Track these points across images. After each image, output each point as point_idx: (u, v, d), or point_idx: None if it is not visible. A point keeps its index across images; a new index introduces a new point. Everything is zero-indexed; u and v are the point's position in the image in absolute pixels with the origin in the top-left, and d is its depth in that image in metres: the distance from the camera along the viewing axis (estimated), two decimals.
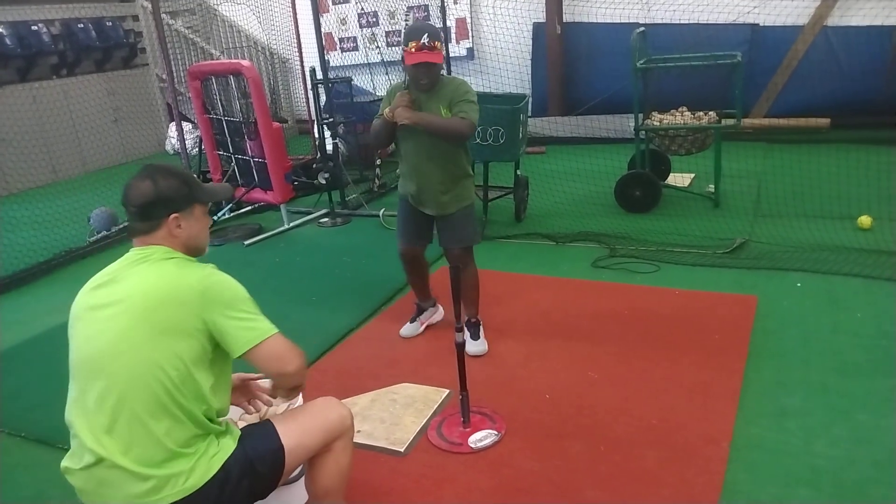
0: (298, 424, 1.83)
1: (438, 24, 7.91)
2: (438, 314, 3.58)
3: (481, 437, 2.58)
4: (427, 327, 3.53)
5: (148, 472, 1.58)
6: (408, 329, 3.48)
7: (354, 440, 2.59)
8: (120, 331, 1.62)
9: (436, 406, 2.84)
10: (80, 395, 1.66)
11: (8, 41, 7.59)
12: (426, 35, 2.87)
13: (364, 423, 2.75)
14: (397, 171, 3.32)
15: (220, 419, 1.74)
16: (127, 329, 1.62)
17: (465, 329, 3.20)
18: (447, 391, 2.92)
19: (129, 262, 1.73)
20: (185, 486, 1.60)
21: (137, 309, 1.63)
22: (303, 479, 2.28)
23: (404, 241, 3.32)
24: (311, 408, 1.94)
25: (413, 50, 2.88)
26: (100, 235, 5.50)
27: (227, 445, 1.69)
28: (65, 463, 1.69)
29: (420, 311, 3.52)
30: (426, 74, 2.94)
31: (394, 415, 2.80)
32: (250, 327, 1.68)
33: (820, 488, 2.22)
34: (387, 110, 2.99)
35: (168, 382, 1.60)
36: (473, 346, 3.21)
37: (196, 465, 1.62)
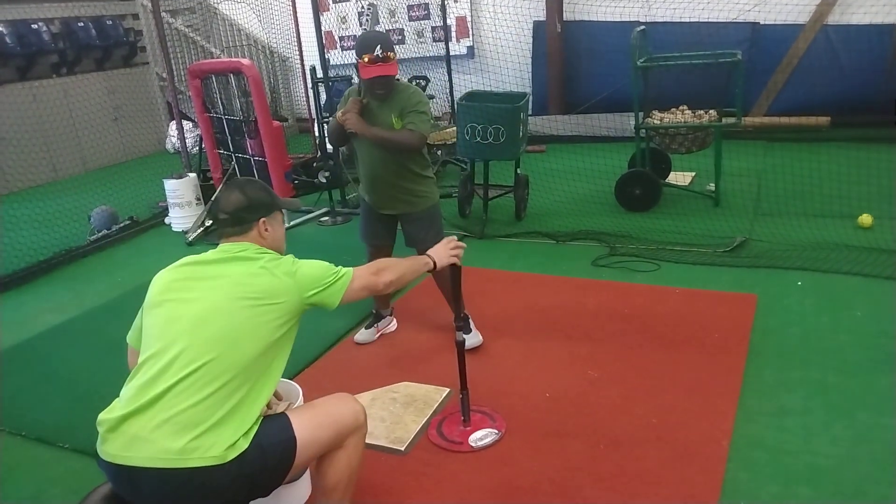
0: (312, 418, 1.85)
1: (439, 23, 7.94)
2: (393, 325, 3.58)
3: (481, 436, 2.59)
4: (433, 328, 3.52)
5: (186, 431, 1.63)
6: (364, 335, 3.46)
7: None
8: (213, 302, 1.79)
9: (436, 405, 2.84)
10: (155, 354, 1.74)
11: (8, 40, 7.58)
12: (378, 46, 2.88)
13: None
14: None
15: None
16: (219, 302, 1.79)
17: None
18: (447, 390, 2.93)
19: (222, 251, 1.94)
20: (211, 453, 1.64)
21: (239, 287, 1.81)
22: (304, 477, 2.29)
23: (364, 239, 3.37)
24: (326, 403, 1.95)
25: (367, 62, 2.89)
26: (100, 234, 5.50)
27: (252, 431, 1.72)
28: (102, 415, 1.73)
29: (378, 318, 3.51)
30: (382, 86, 2.97)
31: (394, 414, 2.80)
32: (334, 282, 1.97)
33: (820, 487, 2.22)
34: (338, 113, 3.03)
35: (247, 354, 1.74)
36: (467, 340, 3.17)
37: (225, 439, 1.66)
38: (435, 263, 2.28)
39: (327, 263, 2.02)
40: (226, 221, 1.98)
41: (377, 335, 3.49)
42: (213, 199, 1.95)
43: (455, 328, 2.61)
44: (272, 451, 1.74)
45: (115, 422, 1.67)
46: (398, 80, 3.08)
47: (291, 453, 1.77)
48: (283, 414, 1.86)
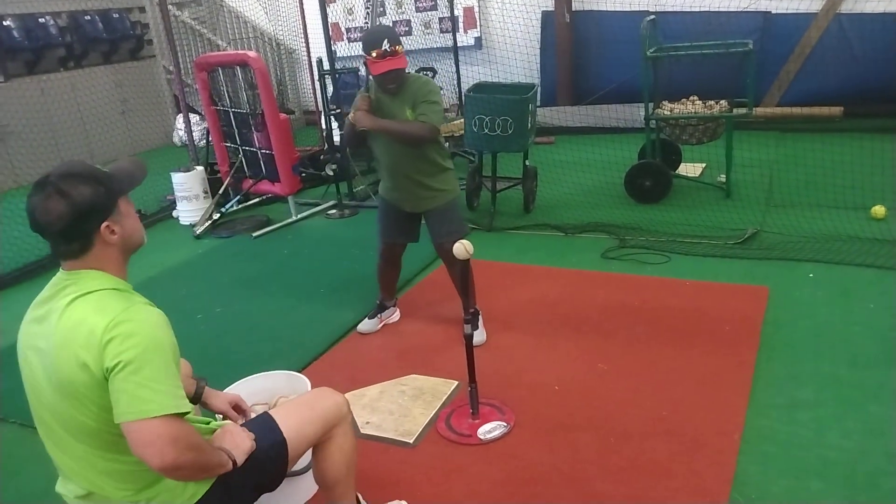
0: (296, 415, 1.83)
1: (446, 14, 7.89)
2: (396, 315, 3.59)
3: (490, 429, 2.58)
4: (441, 321, 3.52)
5: (141, 496, 1.54)
6: (367, 325, 3.47)
7: (364, 432, 2.61)
8: (50, 386, 1.49)
9: (444, 398, 2.83)
10: (46, 434, 1.59)
11: (16, 34, 7.60)
12: (386, 41, 2.86)
13: (373, 414, 2.75)
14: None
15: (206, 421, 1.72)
16: (54, 387, 1.49)
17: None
18: (456, 383, 2.92)
19: (53, 294, 1.54)
20: (184, 497, 1.57)
21: (56, 366, 1.46)
22: (311, 471, 2.29)
23: (384, 237, 3.34)
24: (307, 398, 1.95)
25: (375, 57, 2.87)
26: None
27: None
28: (58, 489, 1.66)
29: (381, 309, 3.52)
30: (394, 80, 2.95)
31: (402, 406, 2.79)
32: (138, 397, 1.38)
33: (831, 480, 2.20)
34: (350, 115, 3.01)
35: (110, 434, 1.47)
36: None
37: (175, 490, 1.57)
38: (234, 462, 1.62)
39: (173, 380, 1.45)
40: (57, 241, 1.49)
41: (380, 325, 3.50)
42: (26, 209, 1.52)
43: (463, 321, 2.59)
44: (264, 457, 1.71)
45: (74, 500, 1.60)
46: (408, 72, 3.05)
47: (284, 453, 1.75)
48: (266, 415, 1.82)
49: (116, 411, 1.41)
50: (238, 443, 1.65)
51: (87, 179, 1.50)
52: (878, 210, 4.32)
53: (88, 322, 1.44)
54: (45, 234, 1.50)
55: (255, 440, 1.69)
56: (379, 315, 3.50)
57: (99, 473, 1.53)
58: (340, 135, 5.98)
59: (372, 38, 2.91)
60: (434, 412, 2.73)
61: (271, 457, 1.73)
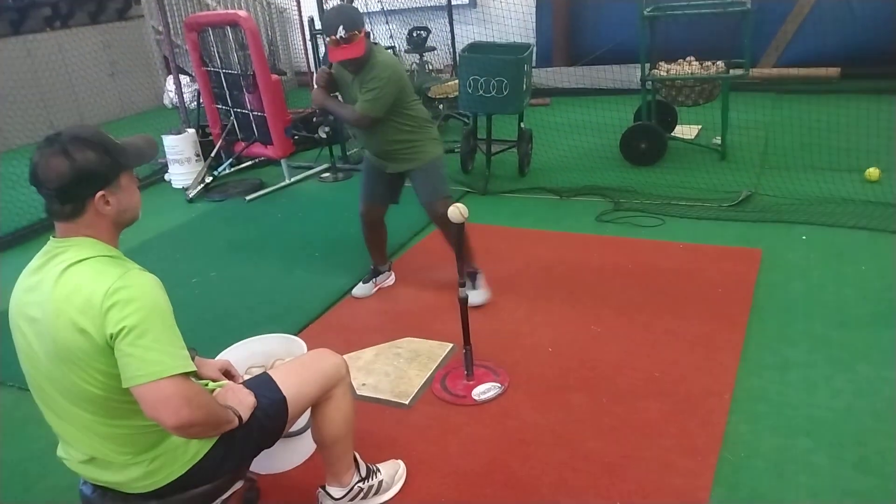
0: (296, 375, 1.85)
1: None
2: (391, 279, 3.60)
3: (485, 390, 2.61)
4: (435, 284, 3.53)
5: (142, 458, 1.57)
6: (361, 289, 3.49)
7: (360, 393, 2.64)
8: (47, 352, 1.49)
9: (440, 360, 2.86)
10: (43, 402, 1.59)
11: None
12: (342, 27, 2.81)
13: (369, 376, 2.78)
14: None
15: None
16: (51, 350, 1.48)
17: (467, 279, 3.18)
18: (451, 345, 2.94)
19: (45, 262, 1.53)
20: (185, 459, 1.60)
21: (54, 329, 1.46)
22: (309, 431, 2.32)
23: (364, 200, 3.35)
24: (306, 359, 1.97)
25: (330, 44, 2.86)
26: None
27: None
28: (60, 453, 1.67)
29: (376, 273, 3.53)
30: (352, 66, 2.96)
31: (398, 368, 2.82)
32: (144, 360, 1.40)
33: (820, 439, 2.24)
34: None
35: (109, 398, 1.49)
36: (473, 297, 3.16)
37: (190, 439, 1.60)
38: (240, 418, 1.65)
39: (177, 340, 1.48)
40: (51, 198, 1.48)
41: (375, 289, 3.51)
42: (30, 162, 1.49)
43: (458, 284, 2.60)
44: (264, 414, 1.73)
45: (76, 465, 1.63)
46: (375, 46, 3.02)
47: (284, 411, 1.77)
48: (266, 374, 1.84)
49: (126, 376, 1.42)
50: (242, 399, 1.68)
51: (96, 146, 1.49)
52: (873, 172, 4.32)
53: (86, 289, 1.44)
54: (41, 189, 1.48)
55: (256, 398, 1.71)
56: (374, 280, 3.51)
57: (100, 438, 1.55)
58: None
59: (327, 22, 2.87)
60: (429, 374, 2.76)
61: (271, 415, 1.75)
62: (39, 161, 1.47)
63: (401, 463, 2.23)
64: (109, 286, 1.43)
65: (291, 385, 1.80)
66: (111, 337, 1.41)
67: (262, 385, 1.79)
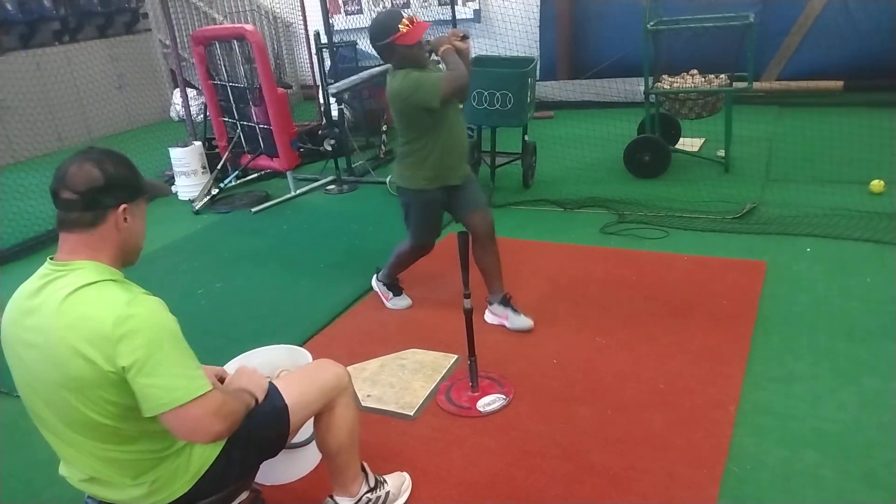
0: (298, 384, 1.86)
1: None
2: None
3: (490, 401, 2.61)
4: (440, 295, 3.54)
5: (142, 480, 1.56)
6: (404, 301, 3.45)
7: (365, 404, 2.64)
8: (48, 379, 1.47)
9: (444, 371, 2.86)
10: (41, 423, 1.59)
11: (9, 6, 7.51)
12: (406, 10, 2.86)
13: (374, 387, 2.78)
14: (418, 159, 3.00)
15: None
16: (53, 377, 1.46)
17: (504, 306, 3.15)
18: (456, 356, 2.94)
19: (46, 285, 1.50)
20: (187, 477, 1.60)
21: (57, 355, 1.44)
22: (312, 443, 2.32)
23: (431, 236, 3.23)
24: (307, 369, 1.99)
25: (408, 28, 2.81)
26: None
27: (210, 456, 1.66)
28: (62, 472, 1.67)
29: (398, 285, 3.48)
30: (424, 48, 2.91)
31: (403, 380, 2.82)
32: (166, 387, 1.42)
33: (826, 452, 2.23)
34: (445, 47, 2.88)
35: (112, 426, 1.49)
36: (522, 322, 3.12)
37: (192, 455, 1.61)
38: (257, 400, 1.71)
39: (190, 362, 1.49)
40: (72, 204, 1.47)
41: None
42: (56, 170, 1.51)
43: (463, 295, 2.61)
44: (266, 423, 1.73)
45: (77, 482, 1.63)
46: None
47: (286, 420, 1.78)
48: (269, 383, 1.84)
49: (149, 406, 1.43)
50: (255, 381, 1.75)
51: (127, 164, 1.56)
52: (877, 184, 4.32)
53: (92, 318, 1.42)
54: (64, 193, 1.48)
55: (262, 393, 1.74)
56: (402, 290, 3.48)
57: (100, 461, 1.55)
58: (339, 109, 5.96)
59: (389, 17, 2.87)
60: (434, 385, 2.76)
61: (272, 424, 1.76)
62: (71, 167, 1.49)
63: (406, 475, 2.23)
64: (118, 315, 1.41)
65: (293, 394, 1.81)
66: (124, 369, 1.41)
67: (260, 416, 1.77)
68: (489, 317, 3.21)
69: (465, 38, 2.95)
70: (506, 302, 3.16)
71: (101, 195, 1.48)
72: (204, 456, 1.62)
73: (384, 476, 2.15)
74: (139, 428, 1.50)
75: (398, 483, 2.17)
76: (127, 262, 1.60)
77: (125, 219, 1.52)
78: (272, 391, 1.80)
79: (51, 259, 1.54)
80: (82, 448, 1.54)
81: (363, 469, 2.05)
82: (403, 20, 2.82)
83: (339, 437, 1.92)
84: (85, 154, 1.52)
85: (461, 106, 3.19)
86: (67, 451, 1.58)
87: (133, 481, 1.56)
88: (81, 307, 1.44)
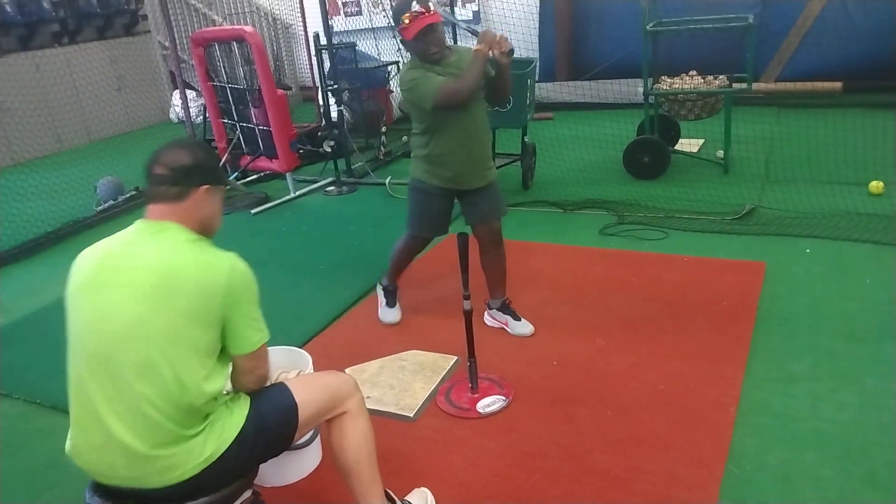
0: (305, 384, 1.89)
1: None
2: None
3: (489, 403, 2.61)
4: (440, 297, 3.54)
5: (157, 453, 1.57)
6: (393, 315, 3.34)
7: None
8: (136, 315, 1.56)
9: (444, 372, 2.86)
10: (83, 375, 1.62)
11: (8, 8, 7.52)
12: (415, 2, 2.72)
13: (373, 389, 2.78)
14: (419, 152, 2.98)
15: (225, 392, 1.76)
16: (143, 314, 1.56)
17: (503, 312, 3.15)
18: (455, 358, 2.94)
19: (143, 235, 1.66)
20: (200, 460, 1.61)
21: (157, 292, 1.56)
22: (314, 443, 2.33)
23: (428, 231, 3.14)
24: (314, 374, 2.03)
25: (409, 21, 2.70)
26: (107, 205, 5.51)
27: (240, 410, 1.71)
28: (69, 447, 1.68)
29: (394, 291, 3.38)
30: (435, 39, 2.76)
31: (403, 381, 2.82)
32: (258, 329, 1.70)
33: (826, 452, 2.23)
34: (480, 46, 2.69)
35: (180, 373, 1.56)
36: (523, 328, 3.11)
37: (208, 439, 1.63)
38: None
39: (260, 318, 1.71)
40: (163, 178, 1.66)
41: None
42: (152, 153, 1.73)
43: (462, 297, 2.61)
44: (275, 419, 1.75)
45: (87, 453, 1.63)
46: (448, 45, 2.90)
47: (294, 416, 1.79)
48: (279, 381, 1.89)
49: (239, 345, 1.66)
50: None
51: (213, 157, 1.79)
52: (876, 185, 4.33)
53: (206, 263, 1.63)
54: (157, 169, 1.67)
55: (268, 402, 1.77)
56: (397, 301, 3.39)
57: (140, 420, 1.55)
58: (338, 110, 5.96)
59: (399, 7, 2.76)
60: (434, 386, 2.76)
61: (282, 419, 1.77)
62: (166, 149, 1.72)
63: (427, 491, 2.17)
64: (228, 266, 1.64)
65: (301, 392, 1.82)
66: (224, 314, 1.61)
67: (275, 390, 1.82)
68: (488, 320, 3.21)
69: (510, 52, 2.73)
70: (505, 308, 3.15)
71: (188, 174, 1.68)
72: (220, 439, 1.64)
73: (407, 498, 2.11)
74: (197, 389, 1.58)
75: (422, 500, 2.13)
76: (205, 234, 1.76)
77: (205, 198, 1.71)
78: (282, 388, 1.83)
79: (143, 218, 1.70)
80: (131, 401, 1.55)
81: (387, 495, 1.99)
82: (408, 12, 2.71)
83: (354, 444, 1.88)
84: (178, 141, 1.79)
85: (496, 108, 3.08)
86: (103, 409, 1.56)
87: (154, 450, 1.57)
88: (190, 255, 1.63)
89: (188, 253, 1.63)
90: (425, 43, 2.76)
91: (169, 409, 1.56)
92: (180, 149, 1.72)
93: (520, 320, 3.13)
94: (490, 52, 2.72)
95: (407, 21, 2.72)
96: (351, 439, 1.89)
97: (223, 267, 1.63)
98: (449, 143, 2.88)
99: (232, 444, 1.65)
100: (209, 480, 1.64)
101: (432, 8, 2.74)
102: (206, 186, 1.70)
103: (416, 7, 2.71)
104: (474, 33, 2.88)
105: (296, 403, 1.79)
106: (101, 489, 1.66)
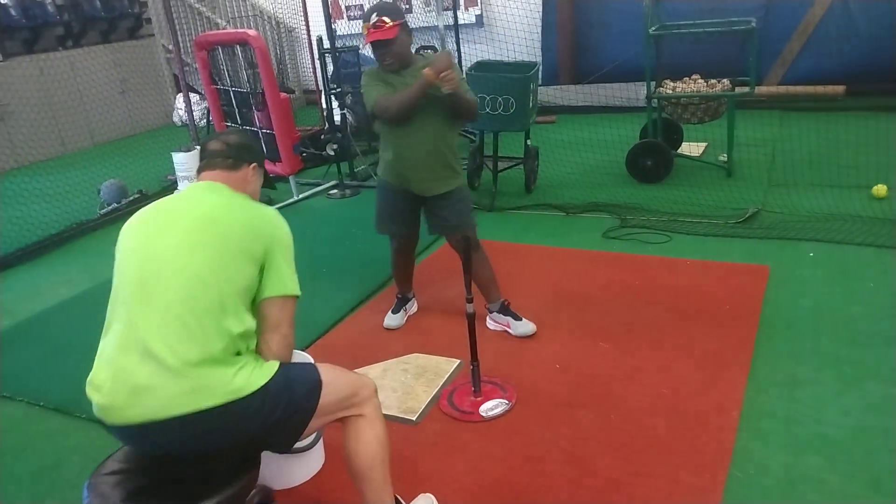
0: (331, 371, 1.89)
1: None
2: (415, 307, 3.49)
3: (492, 406, 2.61)
4: (443, 300, 3.53)
5: (186, 371, 1.59)
6: (393, 320, 3.33)
7: None
8: (187, 240, 1.71)
9: (447, 376, 2.86)
10: (128, 297, 1.68)
11: (13, 12, 7.55)
12: (374, 14, 2.81)
13: None
14: (380, 150, 3.11)
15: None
16: (194, 240, 1.71)
17: (503, 314, 3.15)
18: (458, 361, 2.94)
19: (197, 190, 1.87)
20: (227, 389, 1.61)
21: (209, 225, 1.74)
22: (316, 447, 2.33)
23: (397, 230, 3.18)
24: (339, 367, 1.98)
25: (364, 31, 2.85)
26: (110, 208, 5.52)
27: (270, 367, 1.72)
28: (92, 376, 1.67)
29: (404, 301, 3.40)
30: (385, 54, 2.86)
31: (405, 384, 2.82)
32: (293, 279, 1.82)
33: (830, 457, 2.22)
34: (427, 70, 2.69)
35: (221, 295, 1.66)
36: (525, 327, 3.11)
37: (238, 374, 1.64)
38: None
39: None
40: (221, 152, 1.93)
41: (405, 319, 3.38)
42: (213, 134, 2.04)
43: (465, 300, 2.61)
44: (300, 387, 1.76)
45: (109, 383, 1.63)
46: (422, 53, 3.01)
47: (317, 392, 1.78)
48: (308, 361, 1.94)
49: (272, 286, 1.76)
50: None
51: (260, 144, 2.05)
52: (880, 189, 4.32)
53: (254, 210, 1.84)
54: (214, 144, 1.94)
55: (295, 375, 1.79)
56: (403, 308, 3.39)
57: (168, 341, 1.59)
58: (341, 114, 5.97)
59: (367, 13, 2.88)
60: (436, 390, 2.76)
61: (305, 393, 1.77)
62: (222, 133, 2.06)
63: (432, 497, 2.15)
64: (275, 217, 1.86)
65: (327, 375, 1.84)
66: (267, 253, 1.75)
67: (302, 364, 1.87)
68: (490, 324, 3.21)
69: (445, 76, 2.67)
70: (505, 309, 3.15)
71: (240, 150, 1.96)
72: (249, 379, 1.65)
73: (412, 503, 2.10)
74: (236, 316, 1.68)
75: None
76: None
77: (253, 176, 1.98)
78: (309, 365, 1.87)
79: (203, 180, 1.91)
80: (169, 316, 1.62)
81: (396, 502, 1.98)
82: (365, 24, 2.85)
83: (371, 450, 1.86)
84: (232, 128, 2.11)
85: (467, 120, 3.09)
86: (145, 326, 1.62)
87: (189, 368, 1.59)
88: (240, 201, 1.85)
89: (239, 200, 1.85)
90: (378, 55, 2.90)
91: (209, 329, 1.63)
92: (234, 133, 2.07)
93: (521, 320, 3.13)
94: (436, 79, 2.70)
95: (364, 31, 2.86)
96: (366, 444, 1.87)
97: (270, 214, 1.86)
98: (396, 148, 2.98)
99: (258, 390, 1.65)
100: (225, 427, 1.62)
101: (388, 23, 2.80)
102: (254, 164, 1.98)
103: (373, 19, 2.80)
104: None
105: (321, 381, 1.81)
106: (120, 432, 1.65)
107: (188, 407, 1.58)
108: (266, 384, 1.67)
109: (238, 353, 1.69)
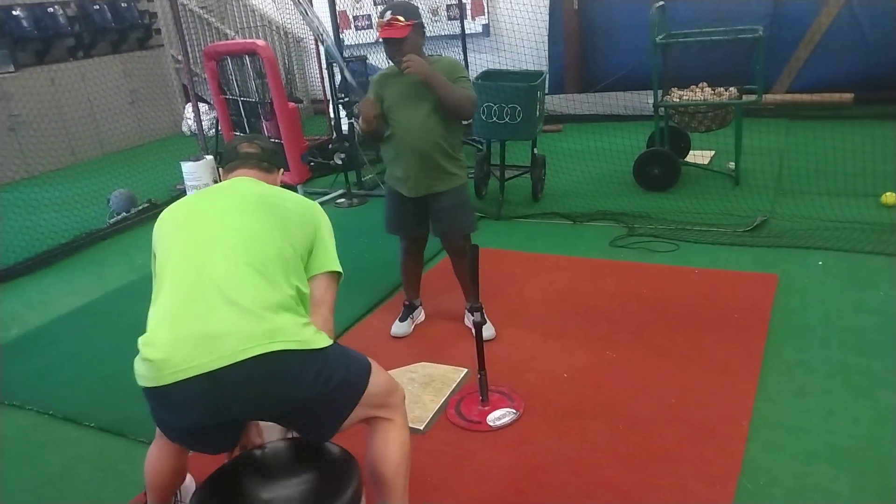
0: (373, 362, 1.90)
1: (454, 0, 7.84)
2: (422, 315, 3.48)
3: (500, 416, 2.60)
4: (450, 309, 3.53)
5: (261, 312, 1.62)
6: (400, 328, 3.33)
7: None
8: (246, 208, 1.83)
9: (454, 385, 2.85)
10: (187, 252, 1.74)
11: (25, 23, 7.63)
12: (389, 11, 2.87)
13: None
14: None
15: None
16: (254, 209, 1.83)
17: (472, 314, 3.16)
18: (465, 370, 2.94)
19: (243, 181, 1.97)
20: (298, 338, 1.63)
21: (265, 203, 1.86)
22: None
23: (405, 232, 3.21)
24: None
25: (378, 29, 2.92)
26: (119, 217, 5.56)
27: (327, 337, 1.75)
28: (148, 336, 1.64)
29: (411, 309, 3.40)
30: (395, 52, 2.89)
31: (412, 393, 2.82)
32: (336, 257, 1.93)
33: (840, 466, 2.21)
34: (370, 95, 2.93)
35: (282, 253, 1.76)
36: (486, 331, 3.12)
37: (307, 327, 1.69)
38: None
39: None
40: (257, 155, 2.05)
41: (413, 327, 3.38)
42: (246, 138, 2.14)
43: (471, 310, 2.61)
44: (355, 366, 1.79)
45: (169, 334, 1.61)
46: (431, 55, 3.05)
47: (365, 377, 1.79)
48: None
49: (320, 262, 1.87)
50: None
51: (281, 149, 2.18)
52: (889, 197, 4.30)
53: (301, 198, 1.98)
54: (248, 147, 2.05)
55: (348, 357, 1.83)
56: (410, 316, 3.39)
57: (243, 288, 1.65)
58: (349, 123, 5.99)
59: (382, 11, 2.94)
60: (444, 399, 2.76)
61: (358, 372, 1.80)
62: (251, 138, 2.13)
63: None
64: (316, 205, 2.01)
65: (373, 363, 1.88)
66: (321, 224, 1.92)
67: (353, 352, 1.88)
68: (467, 321, 3.27)
69: (406, 59, 2.81)
70: (472, 311, 3.15)
71: (273, 156, 2.11)
72: (315, 336, 1.69)
73: None
74: (297, 277, 1.79)
75: None
76: None
77: (280, 180, 2.11)
78: (358, 354, 1.89)
79: (243, 174, 2.02)
80: (252, 267, 1.70)
81: None
82: (378, 20, 2.91)
83: (397, 456, 1.84)
84: (252, 134, 2.15)
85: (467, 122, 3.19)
86: (216, 275, 1.67)
87: (260, 308, 1.63)
88: (287, 192, 1.97)
89: (283, 191, 1.98)
90: (388, 52, 2.96)
91: (277, 277, 1.71)
92: (261, 138, 2.15)
93: (486, 322, 3.12)
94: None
95: (377, 28, 2.94)
96: (394, 450, 1.85)
97: (314, 203, 2.00)
98: (392, 147, 3.05)
99: (322, 349, 1.68)
100: (291, 380, 1.62)
101: (401, 22, 2.84)
102: (282, 170, 2.15)
103: (387, 17, 2.87)
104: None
105: (370, 366, 1.84)
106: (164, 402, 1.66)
107: (263, 347, 1.57)
108: (327, 348, 1.71)
109: (303, 314, 1.75)
